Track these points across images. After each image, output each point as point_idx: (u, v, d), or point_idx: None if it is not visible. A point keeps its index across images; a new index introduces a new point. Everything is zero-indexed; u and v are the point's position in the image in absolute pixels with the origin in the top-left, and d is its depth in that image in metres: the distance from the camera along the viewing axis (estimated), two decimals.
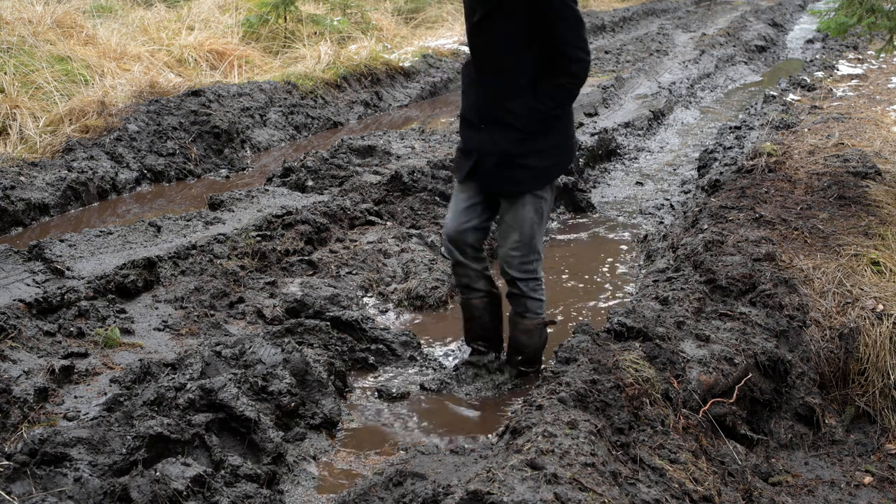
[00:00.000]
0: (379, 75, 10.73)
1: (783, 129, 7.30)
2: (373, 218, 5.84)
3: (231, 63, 10.02)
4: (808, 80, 9.78)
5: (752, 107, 9.29)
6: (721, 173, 6.11)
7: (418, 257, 5.26)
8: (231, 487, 2.86)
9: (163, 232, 5.28)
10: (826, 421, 3.46)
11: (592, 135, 8.04)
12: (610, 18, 16.81)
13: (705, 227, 4.80)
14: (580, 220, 6.43)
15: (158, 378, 3.38)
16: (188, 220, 5.51)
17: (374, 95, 10.36)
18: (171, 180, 7.24)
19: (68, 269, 4.55)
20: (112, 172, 6.85)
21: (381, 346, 4.18)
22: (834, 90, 9.28)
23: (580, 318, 4.63)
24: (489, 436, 3.50)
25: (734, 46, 14.04)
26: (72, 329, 3.97)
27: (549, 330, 3.98)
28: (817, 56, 12.40)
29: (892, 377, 3.50)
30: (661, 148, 8.61)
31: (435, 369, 4.12)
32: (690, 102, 10.69)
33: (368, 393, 3.91)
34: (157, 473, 2.74)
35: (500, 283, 3.99)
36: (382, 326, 4.41)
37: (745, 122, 8.38)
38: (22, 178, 6.25)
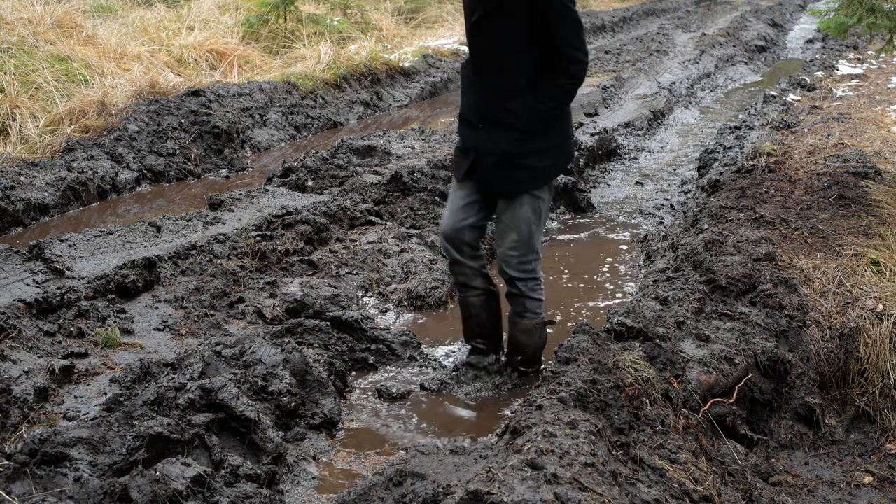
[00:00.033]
0: (379, 75, 10.73)
1: (783, 129, 7.30)
2: (373, 218, 5.84)
3: (231, 63, 10.02)
4: (808, 80, 9.78)
5: (752, 107, 9.29)
6: (721, 173, 6.11)
7: (418, 257, 5.26)
8: (231, 487, 2.86)
9: (163, 232, 5.28)
10: (826, 421, 3.46)
11: (592, 135, 8.04)
12: (610, 18, 16.81)
13: (705, 227, 4.80)
14: (580, 220, 6.43)
15: (158, 378, 3.38)
16: (188, 220, 5.51)
17: (374, 95, 10.36)
18: (171, 180, 7.24)
19: (68, 269, 4.55)
20: (112, 172, 6.85)
21: (381, 346, 4.18)
22: (834, 90, 9.28)
23: (580, 318, 4.63)
24: (489, 436, 3.50)
25: (734, 46, 14.04)
26: (72, 329, 3.97)
27: (548, 330, 3.98)
28: (817, 56, 12.40)
29: (892, 377, 3.50)
30: (661, 148, 8.61)
31: (435, 369, 4.12)
32: (690, 102, 10.69)
33: (368, 393, 3.91)
34: (157, 473, 2.74)
35: (500, 282, 3.99)
36: (382, 326, 4.41)
37: (745, 122, 8.38)
38: (22, 178, 6.25)
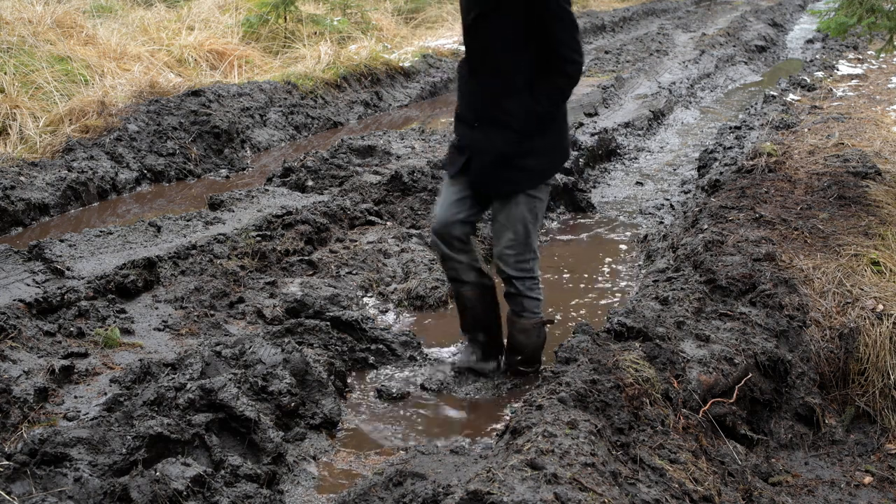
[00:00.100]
0: (379, 75, 10.73)
1: (783, 129, 7.30)
2: (373, 218, 5.84)
3: (231, 63, 10.02)
4: (808, 80, 9.78)
5: (752, 107, 9.29)
6: (721, 173, 6.11)
7: (418, 257, 5.26)
8: (231, 487, 2.86)
9: (163, 232, 5.28)
10: (826, 421, 3.45)
11: (592, 135, 8.04)
12: (610, 18, 16.81)
13: (705, 227, 4.80)
14: (580, 220, 6.43)
15: (158, 378, 3.38)
16: (188, 220, 5.51)
17: (374, 95, 10.36)
18: (171, 180, 7.24)
19: (68, 269, 4.55)
20: (112, 172, 6.85)
21: (381, 346, 4.18)
22: (834, 90, 9.28)
23: (580, 318, 4.63)
24: (489, 435, 3.50)
25: (734, 46, 14.04)
26: (72, 329, 3.97)
27: (547, 329, 3.98)
28: (817, 56, 12.39)
29: (892, 377, 3.50)
30: (661, 148, 8.61)
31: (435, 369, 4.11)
32: (690, 102, 10.69)
33: (368, 393, 3.91)
34: (157, 473, 2.74)
35: (499, 282, 3.98)
36: (382, 326, 4.41)
37: (745, 122, 8.37)
38: (22, 178, 6.25)
